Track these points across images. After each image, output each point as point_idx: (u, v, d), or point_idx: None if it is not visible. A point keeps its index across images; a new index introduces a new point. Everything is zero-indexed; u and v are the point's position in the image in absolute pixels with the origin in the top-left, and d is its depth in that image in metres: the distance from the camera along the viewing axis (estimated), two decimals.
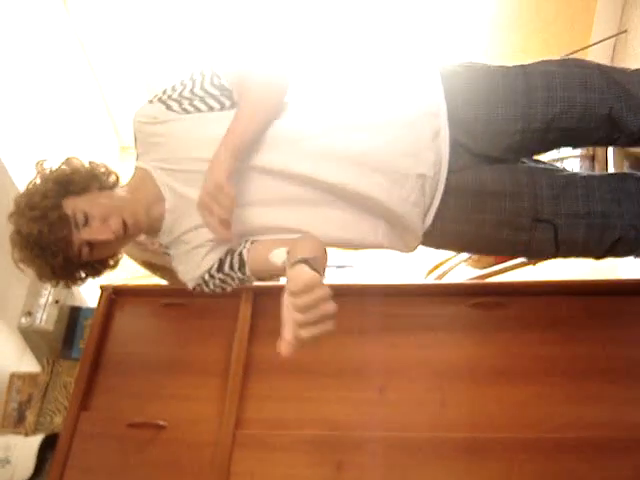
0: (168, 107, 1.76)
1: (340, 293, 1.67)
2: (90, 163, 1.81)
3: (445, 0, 3.91)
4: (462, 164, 1.79)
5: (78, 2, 3.79)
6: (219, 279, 1.80)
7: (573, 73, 1.82)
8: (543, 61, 1.91)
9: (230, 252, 1.80)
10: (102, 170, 1.81)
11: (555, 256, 1.86)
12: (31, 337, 3.06)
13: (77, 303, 3.17)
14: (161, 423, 2.43)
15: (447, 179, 1.77)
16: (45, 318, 3.01)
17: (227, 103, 1.76)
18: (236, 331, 2.56)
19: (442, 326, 2.48)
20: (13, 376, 3.04)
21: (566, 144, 1.91)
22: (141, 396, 2.56)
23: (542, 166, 1.90)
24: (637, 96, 1.79)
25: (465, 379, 2.38)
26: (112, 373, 2.66)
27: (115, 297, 2.80)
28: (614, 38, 3.86)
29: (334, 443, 2.32)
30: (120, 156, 4.40)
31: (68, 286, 1.80)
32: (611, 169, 3.01)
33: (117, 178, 1.83)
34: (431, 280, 3.33)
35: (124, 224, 1.69)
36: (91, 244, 1.69)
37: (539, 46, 3.94)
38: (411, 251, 1.90)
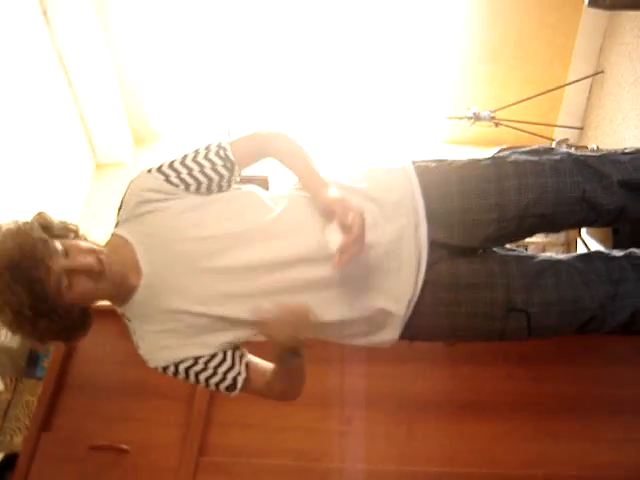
0: (167, 178, 1.72)
1: None
2: (61, 221, 1.72)
3: (424, 34, 3.96)
4: (437, 257, 1.80)
5: (58, 15, 3.77)
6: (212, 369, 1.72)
7: (542, 160, 1.83)
8: (513, 151, 1.90)
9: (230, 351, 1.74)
10: (74, 228, 1.73)
11: (527, 340, 1.87)
12: None
13: None
14: (123, 447, 2.39)
15: (425, 274, 1.77)
16: (9, 335, 2.96)
17: (226, 175, 1.75)
18: None
19: (411, 358, 2.47)
20: None
21: (544, 229, 1.92)
22: (105, 418, 2.52)
23: (514, 254, 1.90)
24: (610, 176, 1.80)
25: (433, 412, 2.38)
26: (76, 394, 2.62)
27: None
28: (591, 78, 3.92)
29: (299, 473, 2.30)
30: (95, 174, 4.35)
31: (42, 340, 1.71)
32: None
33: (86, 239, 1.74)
34: None
35: (100, 260, 1.62)
36: (70, 274, 1.58)
37: (518, 82, 3.98)
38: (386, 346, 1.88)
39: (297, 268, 1.69)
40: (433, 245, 1.78)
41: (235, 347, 1.75)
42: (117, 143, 4.40)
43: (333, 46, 4.06)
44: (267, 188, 1.93)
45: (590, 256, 1.93)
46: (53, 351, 2.76)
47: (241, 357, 1.75)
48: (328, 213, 1.62)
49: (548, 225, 1.87)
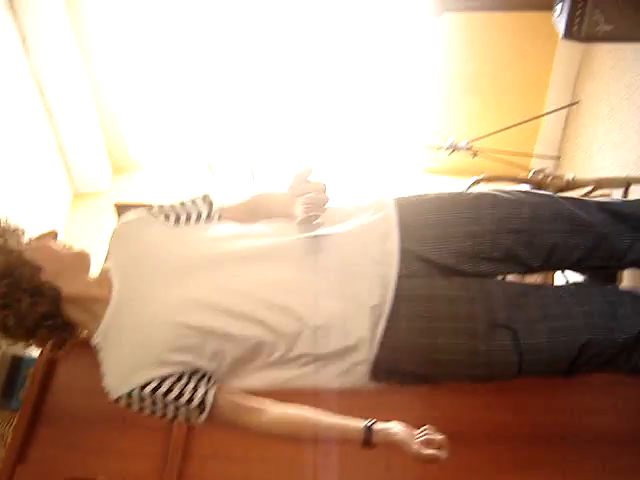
0: (149, 210, 1.81)
1: None
2: None
3: (403, 66, 4.00)
4: (413, 271, 1.75)
5: (38, 43, 3.78)
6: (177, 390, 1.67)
7: (521, 191, 1.86)
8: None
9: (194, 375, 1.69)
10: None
11: (519, 371, 1.75)
12: None
13: (19, 352, 3.10)
14: (100, 479, 2.37)
15: (397, 283, 1.72)
16: None
17: (204, 211, 1.80)
18: None
19: (388, 388, 2.46)
20: None
21: (522, 252, 1.79)
22: (81, 450, 2.50)
23: (494, 278, 1.85)
24: (589, 203, 1.83)
25: None
26: (53, 425, 2.59)
27: None
28: (567, 108, 3.96)
29: None
30: (72, 204, 4.34)
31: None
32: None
33: None
34: None
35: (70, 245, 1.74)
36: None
37: (495, 112, 4.03)
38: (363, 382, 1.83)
39: (265, 264, 1.70)
40: (407, 257, 1.74)
41: (204, 374, 1.70)
42: (95, 172, 4.39)
43: (313, 76, 4.08)
44: None
45: (580, 283, 1.92)
46: (29, 382, 2.74)
47: (208, 382, 1.69)
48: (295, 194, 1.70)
49: (526, 246, 1.78)
